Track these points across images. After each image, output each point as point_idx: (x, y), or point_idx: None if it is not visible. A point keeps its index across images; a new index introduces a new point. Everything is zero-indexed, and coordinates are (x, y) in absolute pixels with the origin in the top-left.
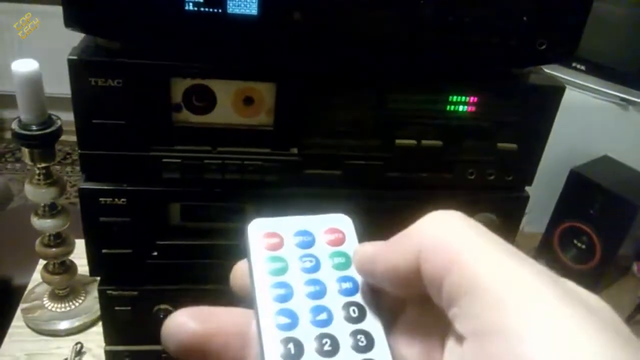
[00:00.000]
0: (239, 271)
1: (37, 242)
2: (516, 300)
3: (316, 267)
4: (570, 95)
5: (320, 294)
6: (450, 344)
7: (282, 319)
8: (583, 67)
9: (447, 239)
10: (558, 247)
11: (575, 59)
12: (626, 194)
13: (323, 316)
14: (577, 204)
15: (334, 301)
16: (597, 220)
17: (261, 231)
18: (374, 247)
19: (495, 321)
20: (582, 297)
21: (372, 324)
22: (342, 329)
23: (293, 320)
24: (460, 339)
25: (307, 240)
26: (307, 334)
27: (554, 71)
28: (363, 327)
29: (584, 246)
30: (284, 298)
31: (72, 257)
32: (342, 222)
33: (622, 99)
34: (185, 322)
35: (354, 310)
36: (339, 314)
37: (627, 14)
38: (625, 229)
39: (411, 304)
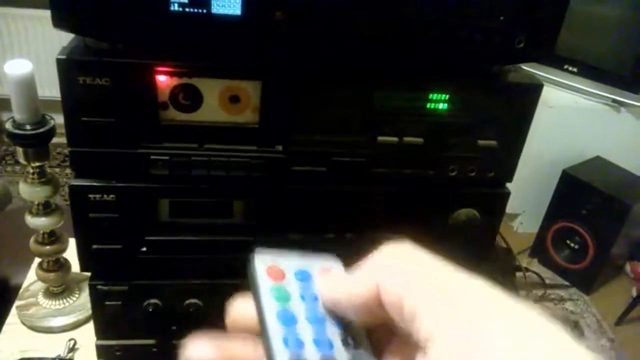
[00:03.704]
0: (238, 305)
1: (32, 240)
2: (464, 300)
3: (315, 300)
4: (562, 97)
5: (320, 323)
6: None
7: (290, 339)
8: (575, 69)
9: (401, 267)
10: (551, 247)
11: (568, 61)
12: (618, 194)
13: (325, 343)
14: (570, 204)
15: (333, 331)
16: (589, 220)
17: (264, 263)
18: (336, 280)
19: (450, 317)
20: (503, 296)
21: (367, 353)
22: (342, 355)
23: (299, 342)
24: (423, 348)
25: (305, 277)
26: (312, 356)
27: (546, 73)
28: (360, 355)
29: (577, 246)
30: (290, 322)
31: (66, 255)
32: (334, 262)
33: (614, 101)
34: (204, 354)
35: (350, 340)
36: (338, 342)
37: (619, 16)
38: (617, 228)
39: (395, 341)
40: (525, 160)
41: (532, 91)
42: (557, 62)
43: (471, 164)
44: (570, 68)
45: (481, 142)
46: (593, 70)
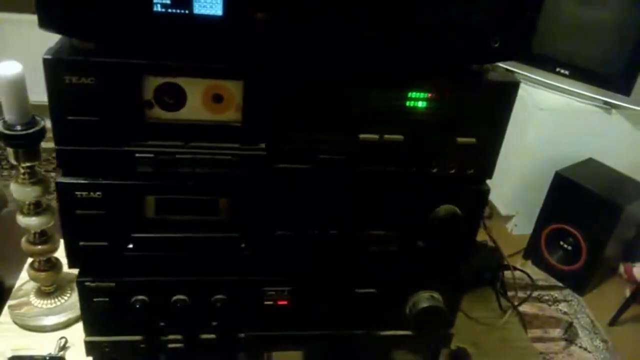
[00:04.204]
0: None
1: (23, 239)
2: None
3: None
4: (554, 100)
5: None
6: None
7: None
8: (567, 72)
9: None
10: (545, 248)
11: (560, 64)
12: (610, 196)
13: None
14: (563, 206)
15: None
16: (582, 221)
17: None
18: None
19: None
20: None
21: None
22: None
23: None
24: None
25: None
26: None
27: (538, 76)
28: None
29: (570, 247)
30: None
31: (57, 255)
32: None
33: (606, 103)
34: None
35: None
36: None
37: (610, 19)
38: (609, 230)
39: None
40: (519, 162)
41: (508, 89)
42: (549, 64)
43: (451, 161)
44: (562, 71)
45: (460, 139)
46: (585, 73)
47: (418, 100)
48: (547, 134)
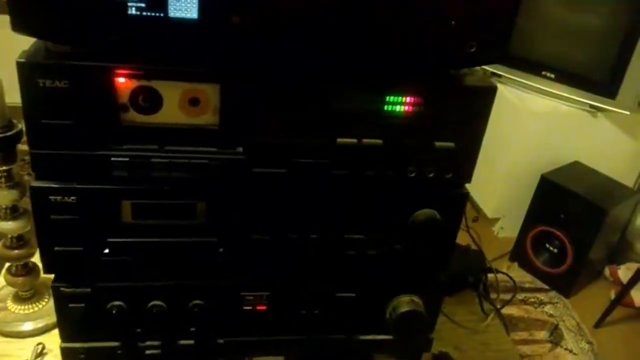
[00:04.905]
0: None
1: (0, 244)
2: None
3: None
4: (540, 103)
5: None
6: None
7: None
8: (553, 76)
9: None
10: (531, 251)
11: (545, 68)
12: (596, 199)
13: None
14: (548, 209)
15: None
16: (567, 224)
17: None
18: None
19: None
20: None
21: None
22: None
23: None
24: None
25: None
26: None
27: (524, 79)
28: None
29: (555, 250)
30: None
31: (35, 259)
32: None
33: (592, 106)
34: None
35: None
36: None
37: (595, 23)
38: (594, 232)
39: None
40: (505, 165)
41: (486, 94)
42: (534, 68)
43: (429, 165)
44: (548, 74)
45: (438, 143)
46: (570, 76)
47: (396, 104)
48: (533, 137)
